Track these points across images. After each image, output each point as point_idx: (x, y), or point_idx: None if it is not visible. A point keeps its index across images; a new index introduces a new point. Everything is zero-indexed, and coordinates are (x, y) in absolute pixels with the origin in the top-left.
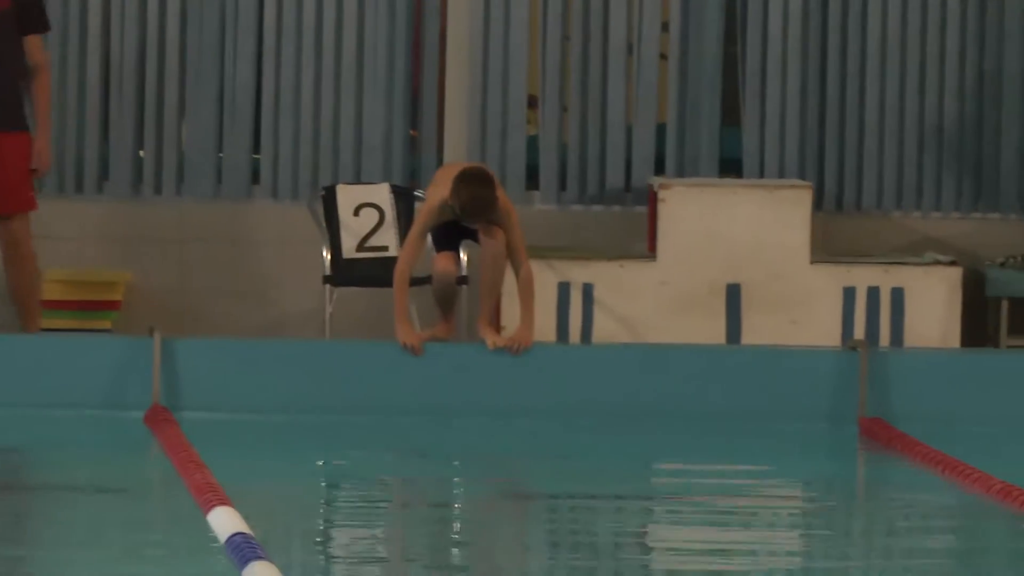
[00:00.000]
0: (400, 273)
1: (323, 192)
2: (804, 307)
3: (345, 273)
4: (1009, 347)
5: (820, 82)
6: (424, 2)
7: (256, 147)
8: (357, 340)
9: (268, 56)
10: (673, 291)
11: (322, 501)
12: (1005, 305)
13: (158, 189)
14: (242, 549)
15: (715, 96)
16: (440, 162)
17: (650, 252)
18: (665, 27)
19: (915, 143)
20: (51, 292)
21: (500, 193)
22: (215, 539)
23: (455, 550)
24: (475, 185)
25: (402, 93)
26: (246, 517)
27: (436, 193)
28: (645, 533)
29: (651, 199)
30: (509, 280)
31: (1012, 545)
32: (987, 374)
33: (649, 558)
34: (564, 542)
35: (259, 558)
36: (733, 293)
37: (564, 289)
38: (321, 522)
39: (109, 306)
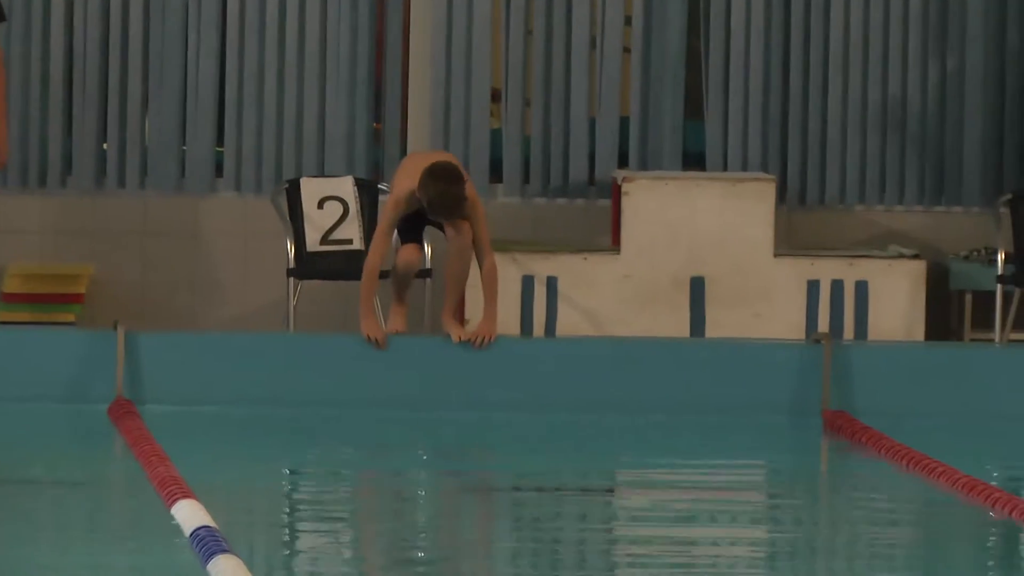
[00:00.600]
0: (370, 266)
1: (287, 185)
2: (768, 300)
3: (309, 266)
4: (972, 340)
5: (783, 76)
6: None
7: (220, 140)
8: (321, 333)
9: (231, 49)
10: (637, 284)
11: (286, 494)
12: (968, 298)
13: (121, 182)
14: (207, 542)
15: (678, 89)
16: (404, 156)
17: (614, 245)
18: (628, 20)
19: (878, 137)
20: (14, 285)
21: (468, 186)
22: (179, 532)
23: (419, 542)
24: (444, 182)
25: (365, 86)
26: (210, 510)
27: (402, 184)
28: (610, 527)
29: (615, 192)
30: (474, 273)
31: (975, 538)
32: (951, 367)
33: (614, 550)
34: (528, 535)
35: (224, 551)
36: (697, 286)
37: (528, 282)
38: (285, 515)
39: (72, 299)
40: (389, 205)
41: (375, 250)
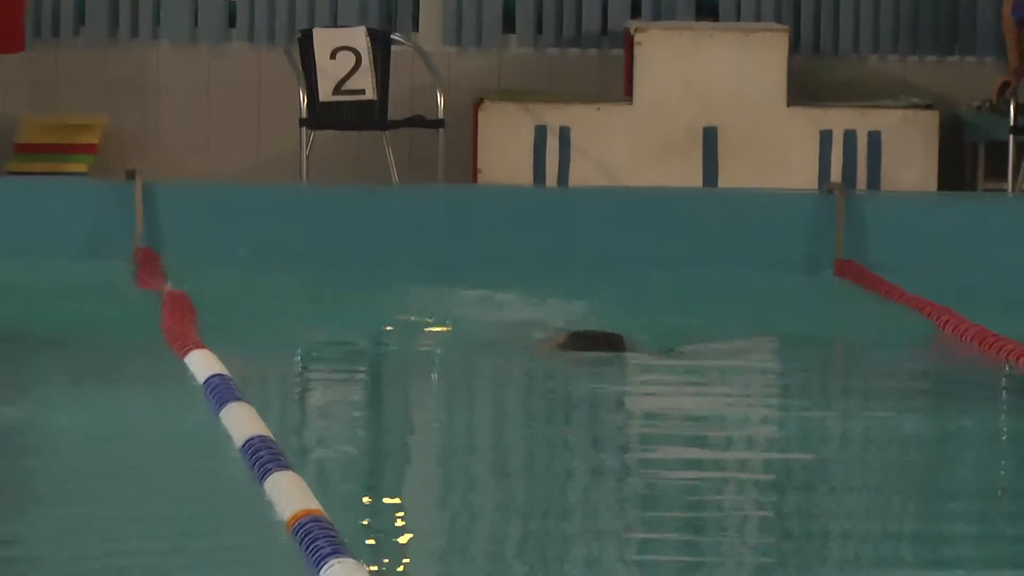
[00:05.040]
0: None
1: (299, 35)
2: (781, 151)
3: (321, 117)
4: (986, 191)
5: None
6: None
7: None
8: (335, 184)
9: None
10: (649, 135)
11: (302, 345)
12: (982, 149)
13: (135, 33)
14: (220, 390)
15: None
16: (416, 8)
17: (627, 96)
18: None
19: None
20: (28, 136)
21: None
22: (195, 384)
23: (433, 402)
24: None
25: None
26: (224, 361)
27: None
28: (623, 391)
29: (627, 42)
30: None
31: (983, 389)
32: (964, 217)
33: (624, 411)
34: (538, 402)
35: (237, 399)
36: (710, 136)
37: (541, 132)
38: (300, 367)
39: (85, 150)
40: None
41: None
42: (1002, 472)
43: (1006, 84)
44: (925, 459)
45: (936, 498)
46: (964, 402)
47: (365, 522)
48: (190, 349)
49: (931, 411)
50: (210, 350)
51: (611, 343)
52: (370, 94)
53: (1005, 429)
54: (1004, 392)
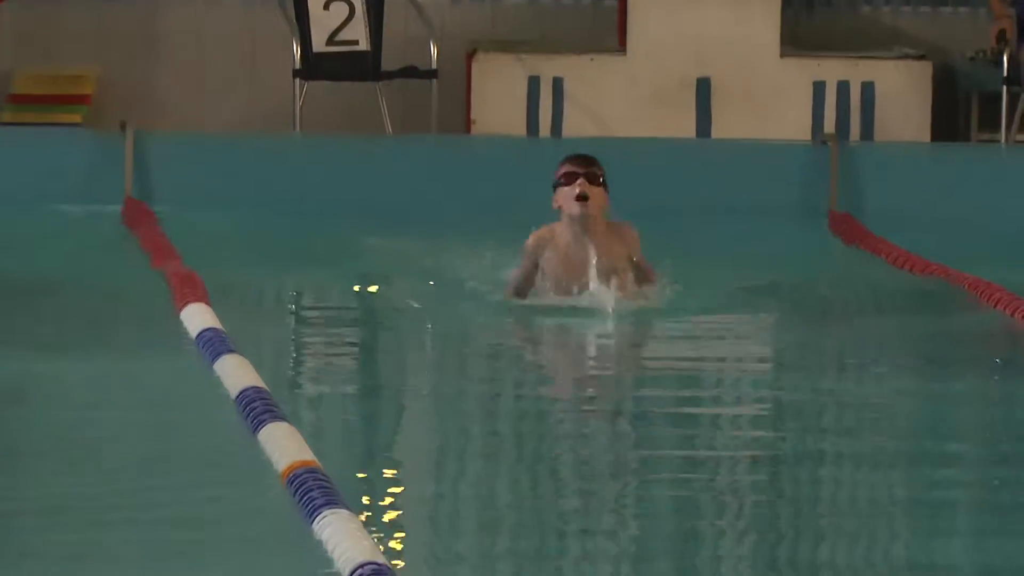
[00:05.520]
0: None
1: None
2: (774, 101)
3: (315, 67)
4: (979, 142)
5: None
6: None
7: None
8: (328, 134)
9: None
10: (643, 85)
11: (294, 297)
12: (975, 99)
13: None
14: (213, 343)
15: None
16: None
17: (620, 47)
18: None
19: None
20: (22, 87)
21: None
22: (187, 336)
23: (426, 353)
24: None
25: None
26: (218, 313)
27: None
28: (611, 344)
29: None
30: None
31: (974, 334)
32: (958, 168)
33: (618, 358)
34: (532, 346)
35: (230, 351)
36: (703, 87)
37: (534, 83)
38: (293, 318)
39: (79, 100)
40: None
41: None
42: (994, 433)
43: (1003, 31)
44: (921, 420)
45: (932, 459)
46: (961, 361)
47: (360, 474)
48: (187, 301)
49: (928, 370)
50: (205, 302)
51: None
52: (363, 45)
53: (998, 385)
54: (998, 344)
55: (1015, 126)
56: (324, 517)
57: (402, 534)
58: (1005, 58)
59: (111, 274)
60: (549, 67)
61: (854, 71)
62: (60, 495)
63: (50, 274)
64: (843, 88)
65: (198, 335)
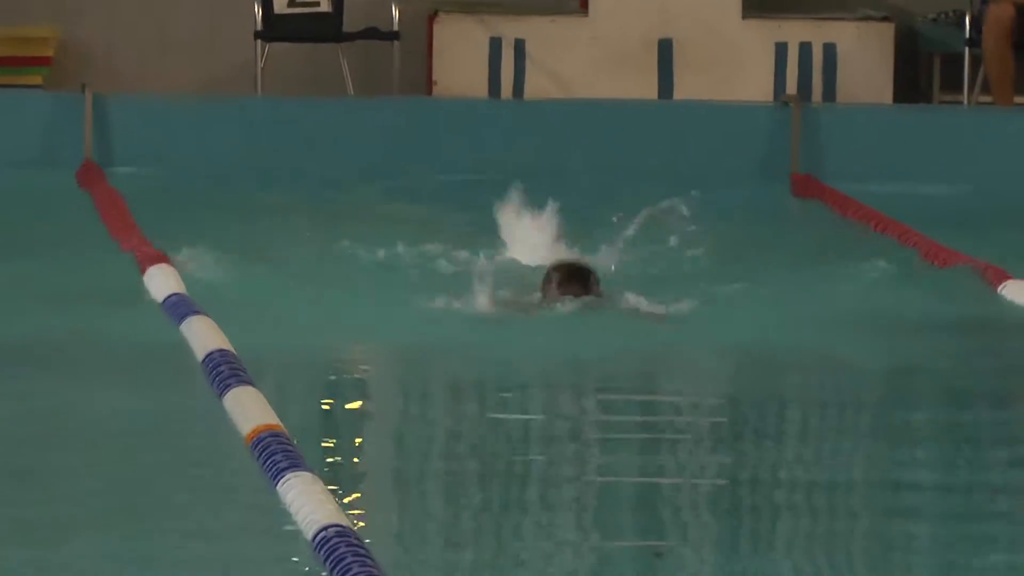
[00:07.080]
0: None
1: None
2: (736, 63)
3: (276, 28)
4: (942, 103)
5: None
6: None
7: None
8: (289, 96)
9: None
10: (605, 46)
11: (257, 256)
12: (937, 61)
13: None
14: (179, 307)
15: None
16: None
17: (582, 7)
18: None
19: None
20: None
21: None
22: (150, 298)
23: (394, 312)
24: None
25: None
26: (181, 275)
27: None
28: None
29: None
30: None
31: (930, 294)
32: (920, 129)
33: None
34: (498, 322)
35: (196, 312)
36: (665, 48)
37: (496, 44)
38: (256, 277)
39: (39, 62)
40: None
41: None
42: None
43: None
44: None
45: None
46: (928, 327)
47: (325, 439)
48: (149, 264)
49: (890, 336)
50: (168, 264)
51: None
52: (325, 6)
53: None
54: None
55: (977, 87)
56: (288, 480)
57: (366, 497)
58: (967, 19)
59: (68, 236)
60: (511, 28)
61: (816, 32)
62: (16, 448)
63: (6, 236)
64: (805, 49)
65: (164, 300)
